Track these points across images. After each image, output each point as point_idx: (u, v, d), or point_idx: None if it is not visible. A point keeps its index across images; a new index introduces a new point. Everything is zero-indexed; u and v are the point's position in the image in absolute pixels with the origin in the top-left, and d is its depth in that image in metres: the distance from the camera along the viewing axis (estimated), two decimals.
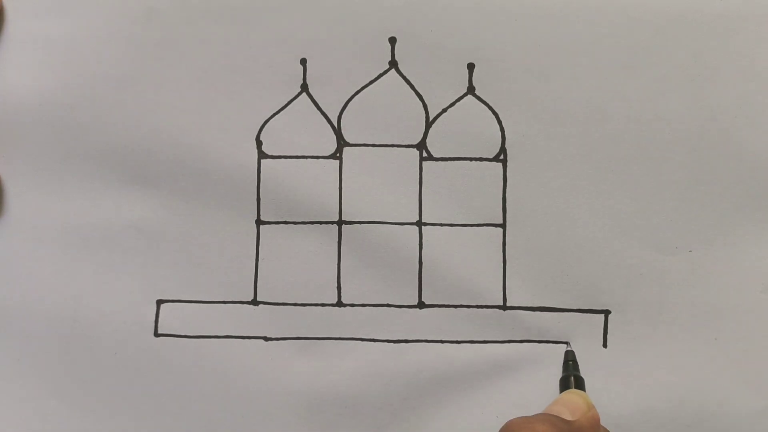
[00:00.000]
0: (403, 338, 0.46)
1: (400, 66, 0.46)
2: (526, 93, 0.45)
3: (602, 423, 0.44)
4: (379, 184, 0.46)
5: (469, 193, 0.46)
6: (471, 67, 0.46)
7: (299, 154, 0.46)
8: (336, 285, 0.46)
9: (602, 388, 0.45)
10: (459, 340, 0.45)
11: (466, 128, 0.46)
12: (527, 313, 0.45)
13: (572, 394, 0.43)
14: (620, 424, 0.45)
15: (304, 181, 0.46)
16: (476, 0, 0.45)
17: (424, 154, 0.46)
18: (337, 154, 0.46)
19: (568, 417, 0.40)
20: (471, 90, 0.46)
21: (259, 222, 0.46)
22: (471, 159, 0.46)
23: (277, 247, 0.46)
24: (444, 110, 0.46)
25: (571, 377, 0.44)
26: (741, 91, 0.44)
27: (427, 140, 0.46)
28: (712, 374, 0.44)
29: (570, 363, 0.45)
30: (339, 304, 0.46)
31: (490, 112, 0.46)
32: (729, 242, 0.45)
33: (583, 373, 0.45)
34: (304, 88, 0.46)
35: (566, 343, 0.45)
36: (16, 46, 0.47)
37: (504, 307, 0.45)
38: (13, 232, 0.47)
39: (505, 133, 0.45)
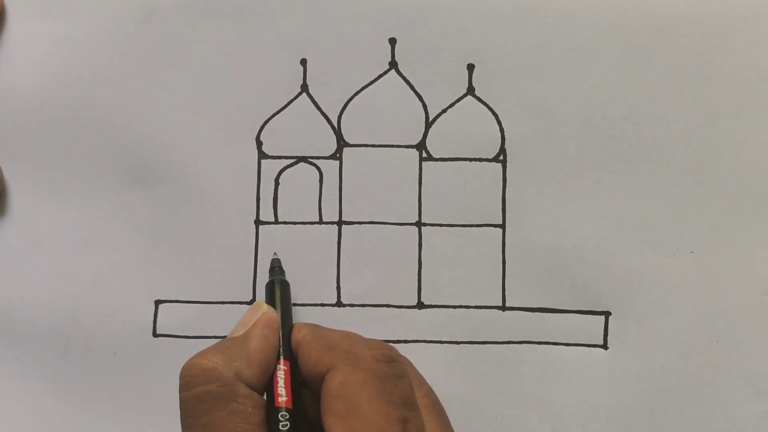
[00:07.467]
0: (403, 338, 0.45)
1: (400, 67, 0.46)
2: (526, 93, 0.45)
3: (602, 423, 0.43)
4: (379, 184, 0.46)
5: (468, 194, 0.46)
6: (471, 67, 0.46)
7: (299, 155, 0.46)
8: (336, 285, 0.46)
9: (602, 389, 0.45)
10: (458, 340, 0.45)
11: (466, 129, 0.46)
12: (527, 313, 0.45)
13: (252, 309, 0.40)
14: (621, 425, 0.44)
15: (304, 182, 0.46)
16: (476, 1, 0.46)
17: (424, 155, 0.46)
18: (337, 155, 0.46)
19: (240, 332, 0.39)
20: (471, 90, 0.46)
21: (258, 222, 0.46)
22: (471, 159, 0.46)
23: (277, 247, 0.46)
24: (444, 111, 0.46)
25: (275, 282, 0.42)
26: (741, 91, 0.44)
27: (427, 140, 0.46)
28: (713, 377, 0.44)
29: (276, 269, 0.43)
30: (338, 304, 0.46)
31: (489, 113, 0.46)
32: (731, 244, 0.44)
33: (583, 374, 0.44)
34: (305, 88, 0.46)
35: None
36: (17, 45, 0.47)
37: (503, 307, 0.45)
38: (13, 232, 0.47)
39: (505, 133, 0.45)
